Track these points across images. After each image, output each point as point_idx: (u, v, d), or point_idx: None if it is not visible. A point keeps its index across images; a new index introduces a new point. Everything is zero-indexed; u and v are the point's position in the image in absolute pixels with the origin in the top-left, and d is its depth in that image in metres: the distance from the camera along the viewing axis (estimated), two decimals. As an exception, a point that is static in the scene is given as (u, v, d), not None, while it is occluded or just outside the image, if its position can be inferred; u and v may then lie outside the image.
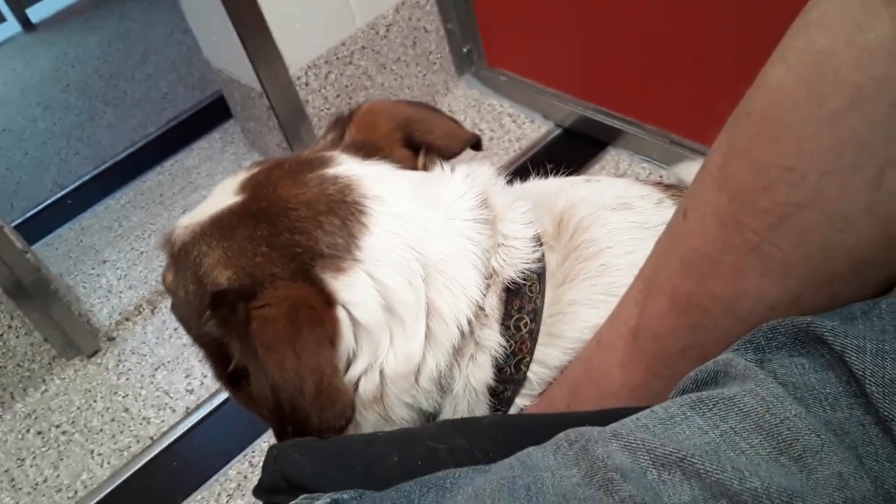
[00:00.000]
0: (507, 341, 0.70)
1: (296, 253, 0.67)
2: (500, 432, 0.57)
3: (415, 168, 0.80)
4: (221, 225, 0.70)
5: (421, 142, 0.82)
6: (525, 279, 0.71)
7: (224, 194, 0.73)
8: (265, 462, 0.58)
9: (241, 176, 0.75)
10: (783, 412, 0.42)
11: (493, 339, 0.70)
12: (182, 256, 0.72)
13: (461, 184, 0.75)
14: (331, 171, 0.73)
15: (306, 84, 1.97)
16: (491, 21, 2.06)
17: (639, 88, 1.78)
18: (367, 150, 0.77)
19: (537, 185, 0.83)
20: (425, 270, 0.68)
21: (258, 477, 0.59)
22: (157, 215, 2.25)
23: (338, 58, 2.00)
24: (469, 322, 0.68)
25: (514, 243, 0.72)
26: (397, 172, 0.76)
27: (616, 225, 0.74)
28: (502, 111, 2.13)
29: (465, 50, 2.18)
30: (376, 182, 0.72)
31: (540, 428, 0.53)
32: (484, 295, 0.69)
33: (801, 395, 0.43)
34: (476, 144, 0.85)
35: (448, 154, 0.83)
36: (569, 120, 1.99)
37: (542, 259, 0.72)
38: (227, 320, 0.67)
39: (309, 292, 0.66)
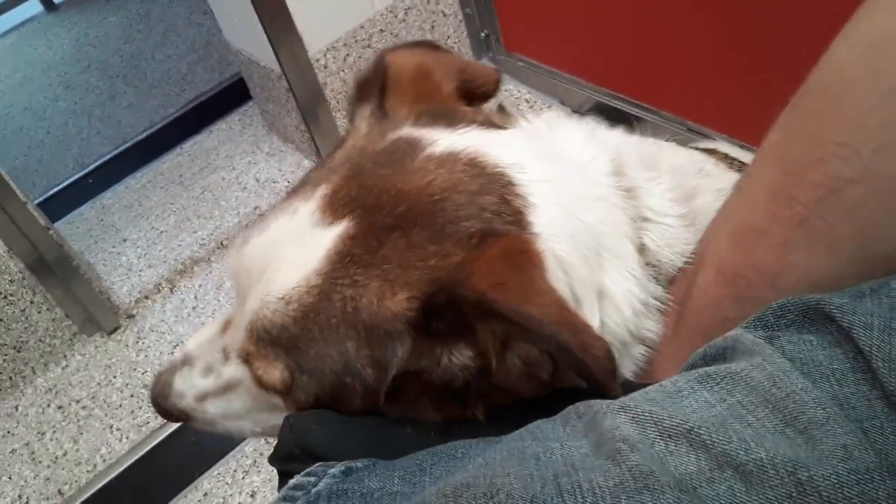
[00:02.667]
0: (660, 329, 0.62)
1: (470, 237, 0.56)
2: (511, 405, 0.58)
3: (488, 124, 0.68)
4: (347, 259, 0.57)
5: (469, 90, 0.72)
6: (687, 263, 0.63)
7: (299, 237, 0.60)
8: (281, 431, 0.59)
9: (304, 208, 0.61)
10: (790, 386, 0.42)
11: (651, 328, 0.62)
12: (305, 329, 0.58)
13: (587, 144, 0.66)
14: (436, 150, 0.61)
15: (325, 66, 1.98)
16: (508, 6, 2.06)
17: (656, 75, 1.77)
18: (443, 117, 0.66)
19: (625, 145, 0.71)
20: (594, 245, 0.59)
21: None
22: (177, 195, 2.27)
23: (356, 40, 2.00)
24: (634, 311, 0.60)
25: (665, 220, 0.65)
26: (508, 134, 0.66)
27: (709, 196, 0.68)
28: (519, 97, 2.13)
29: (482, 35, 2.18)
30: (499, 148, 0.62)
31: (550, 401, 0.54)
32: (643, 276, 0.61)
33: (808, 371, 0.43)
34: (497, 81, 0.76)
35: (486, 98, 0.74)
36: (586, 106, 1.99)
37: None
38: (449, 324, 0.55)
39: (511, 240, 0.56)
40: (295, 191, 0.65)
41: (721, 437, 0.41)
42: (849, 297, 0.45)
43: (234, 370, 0.67)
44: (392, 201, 0.58)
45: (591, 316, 0.58)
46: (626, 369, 0.62)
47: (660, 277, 0.63)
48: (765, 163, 0.55)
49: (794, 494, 0.38)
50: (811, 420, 0.41)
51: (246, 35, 2.01)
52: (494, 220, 0.57)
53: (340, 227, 0.58)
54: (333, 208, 0.59)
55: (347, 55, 2.00)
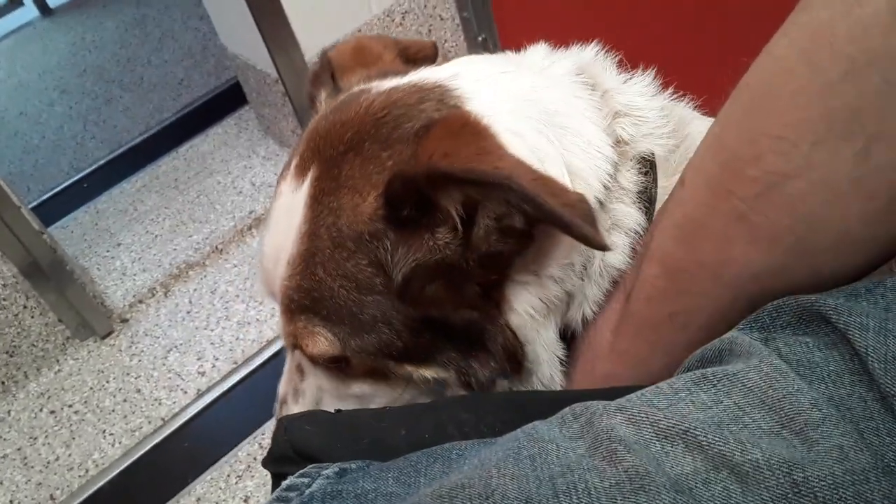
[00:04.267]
0: (646, 222, 0.63)
1: (416, 133, 0.60)
2: (506, 408, 0.57)
3: None
4: (320, 197, 0.62)
5: (408, 57, 0.79)
6: (665, 153, 0.65)
7: (287, 212, 0.64)
8: (275, 433, 0.59)
9: (284, 187, 0.66)
10: (786, 387, 0.42)
11: (632, 217, 0.64)
12: (313, 276, 0.62)
13: (548, 56, 0.69)
14: (380, 88, 0.66)
15: (321, 71, 1.97)
16: (506, 10, 2.06)
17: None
18: (391, 74, 0.70)
19: None
20: (548, 121, 0.61)
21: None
22: (172, 199, 2.27)
23: (353, 45, 2.00)
24: (606, 187, 0.61)
25: (639, 113, 0.66)
26: (453, 63, 0.70)
27: (699, 123, 0.70)
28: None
29: (480, 38, 2.18)
30: (439, 72, 0.66)
31: (546, 404, 0.53)
32: (617, 162, 0.63)
33: (804, 372, 0.43)
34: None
35: (427, 63, 0.78)
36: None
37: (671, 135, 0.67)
38: (416, 207, 0.57)
39: (450, 118, 0.60)
40: (278, 180, 0.69)
41: (717, 438, 0.41)
42: (844, 296, 0.45)
43: (309, 380, 0.74)
44: (340, 133, 0.62)
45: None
46: (611, 263, 0.64)
47: (643, 170, 0.65)
48: (706, 155, 0.55)
49: (789, 495, 0.38)
50: (807, 421, 0.41)
51: (242, 39, 2.01)
52: (434, 115, 0.61)
53: (308, 178, 0.63)
54: (301, 169, 0.64)
55: (344, 60, 2.00)
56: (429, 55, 0.81)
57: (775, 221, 0.49)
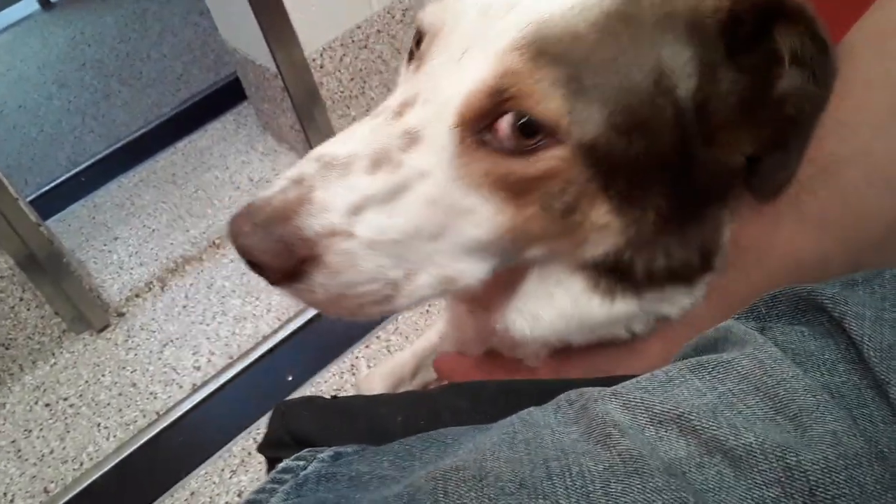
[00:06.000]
0: None
1: None
2: (502, 396, 0.58)
3: None
4: None
5: None
6: None
7: None
8: (272, 418, 0.59)
9: None
10: (780, 374, 0.43)
11: None
12: (607, 38, 0.49)
13: None
14: None
15: (321, 66, 1.98)
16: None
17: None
18: None
19: None
20: None
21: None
22: (169, 194, 2.26)
23: (353, 41, 2.00)
24: None
25: None
26: None
27: None
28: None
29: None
30: None
31: (542, 392, 0.53)
32: None
33: (799, 360, 0.44)
34: None
35: None
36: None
37: None
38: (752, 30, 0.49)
39: None
40: None
41: (711, 423, 0.41)
42: (840, 286, 0.45)
43: (424, 156, 0.51)
44: None
45: None
46: None
47: None
48: None
49: (782, 479, 0.38)
50: (801, 407, 0.41)
51: (242, 34, 2.01)
52: None
53: None
54: None
55: (344, 55, 2.00)
56: None
57: (825, 206, 0.49)
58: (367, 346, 1.73)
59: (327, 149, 0.51)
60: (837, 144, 0.49)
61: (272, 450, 0.57)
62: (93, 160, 2.50)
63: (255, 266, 0.50)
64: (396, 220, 0.51)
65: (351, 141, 0.51)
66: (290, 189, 0.50)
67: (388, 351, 1.72)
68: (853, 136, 0.48)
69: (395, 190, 0.51)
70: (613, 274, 0.57)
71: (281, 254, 0.49)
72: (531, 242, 0.55)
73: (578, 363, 0.64)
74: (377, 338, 1.74)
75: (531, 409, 0.49)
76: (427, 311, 1.75)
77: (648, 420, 0.43)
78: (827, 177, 0.49)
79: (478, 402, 0.57)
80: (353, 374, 1.69)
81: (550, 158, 0.50)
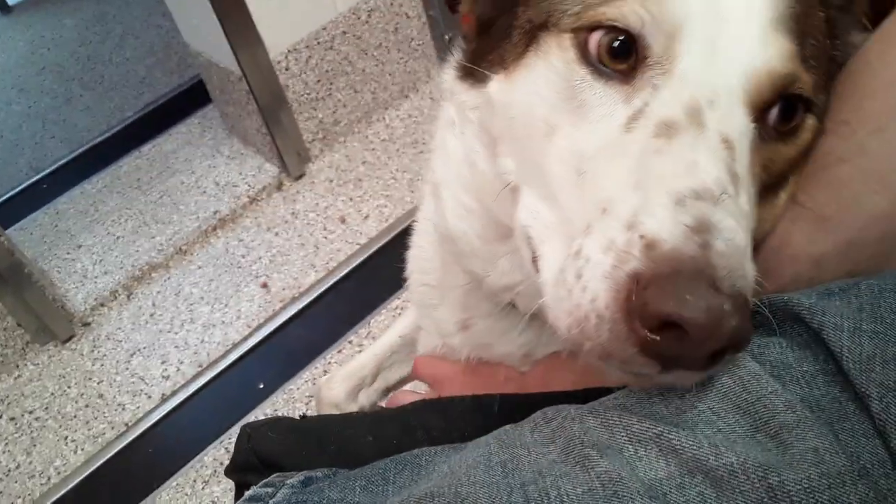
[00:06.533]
0: None
1: None
2: (477, 413, 0.56)
3: None
4: None
5: None
6: None
7: None
8: (238, 441, 0.57)
9: None
10: (760, 390, 0.42)
11: None
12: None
13: None
14: None
15: (286, 68, 1.95)
16: (473, 8, 2.05)
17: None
18: None
19: None
20: None
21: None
22: (134, 200, 2.22)
23: (318, 42, 1.98)
24: None
25: None
26: None
27: None
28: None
29: (446, 37, 2.17)
30: None
31: (517, 407, 0.52)
32: None
33: (778, 373, 0.43)
34: None
35: None
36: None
37: None
38: None
39: None
40: None
41: (691, 443, 0.40)
42: (816, 296, 0.45)
43: (740, 159, 0.47)
44: None
45: None
46: None
47: None
48: None
49: (765, 499, 0.37)
50: (782, 424, 0.40)
51: (205, 36, 1.97)
52: None
53: None
54: None
55: (309, 57, 1.98)
56: None
57: (821, 203, 0.49)
58: (339, 351, 1.71)
59: (690, 182, 0.44)
60: (835, 143, 0.49)
61: (239, 473, 0.56)
62: (55, 166, 2.45)
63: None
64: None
65: (702, 170, 0.45)
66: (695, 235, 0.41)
67: (361, 356, 1.71)
68: (851, 136, 0.48)
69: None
70: None
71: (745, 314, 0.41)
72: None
73: (570, 367, 0.62)
74: (349, 342, 1.72)
75: (507, 427, 0.48)
76: (400, 312, 1.73)
77: (627, 439, 0.42)
78: (821, 175, 0.49)
79: (451, 420, 0.56)
80: (326, 380, 1.68)
81: (808, 130, 0.50)
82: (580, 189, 0.47)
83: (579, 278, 0.42)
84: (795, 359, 0.43)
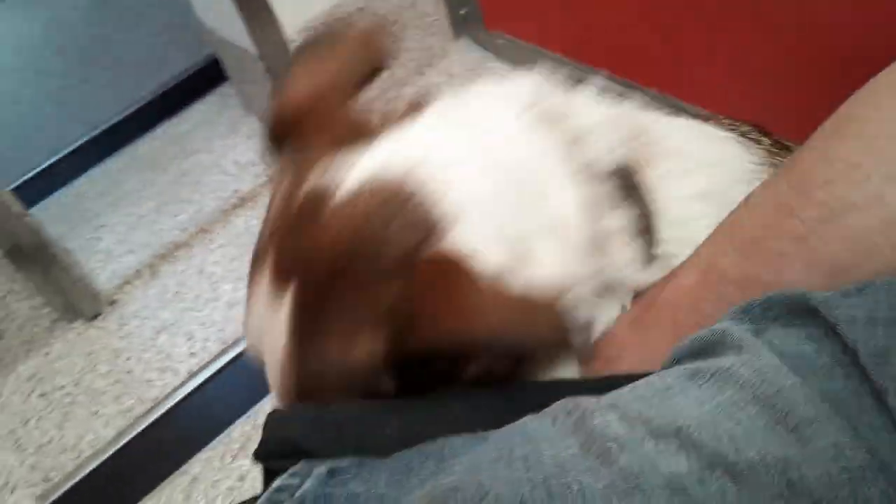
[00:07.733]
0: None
1: (395, 270, 0.56)
2: (497, 400, 0.57)
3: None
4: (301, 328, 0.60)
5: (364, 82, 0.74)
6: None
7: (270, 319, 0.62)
8: (265, 427, 0.58)
9: (264, 286, 0.61)
10: (779, 382, 0.42)
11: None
12: None
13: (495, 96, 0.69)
14: (342, 193, 0.59)
15: (302, 45, 1.94)
16: (489, -20, 2.03)
17: (642, 52, 1.76)
18: (348, 142, 0.63)
19: None
20: (526, 183, 0.61)
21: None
22: (155, 180, 2.24)
23: (334, 19, 1.97)
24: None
25: (597, 129, 0.66)
26: (412, 131, 0.64)
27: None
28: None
29: (462, 12, 2.15)
30: (400, 155, 0.60)
31: (539, 395, 0.53)
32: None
33: (796, 366, 0.43)
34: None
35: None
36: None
37: None
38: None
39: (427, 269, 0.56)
40: (254, 261, 0.63)
41: (712, 436, 0.41)
42: (832, 292, 0.45)
43: None
44: (317, 254, 0.57)
45: (545, 255, 0.58)
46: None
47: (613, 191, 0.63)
48: (778, 175, 0.55)
49: (785, 494, 0.38)
50: (801, 417, 0.40)
51: (219, 15, 1.97)
52: (409, 239, 0.56)
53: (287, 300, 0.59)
54: (277, 284, 0.60)
55: (325, 34, 1.97)
56: (377, 66, 0.76)
57: (836, 252, 0.48)
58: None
59: None
60: (848, 189, 0.47)
61: (266, 460, 0.57)
62: (74, 146, 2.46)
63: None
64: None
65: None
66: None
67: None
68: (865, 182, 0.46)
69: None
70: None
71: None
72: None
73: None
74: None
75: (527, 418, 0.49)
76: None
77: (648, 433, 0.42)
78: (836, 221, 0.48)
79: (474, 406, 0.56)
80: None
81: None
82: None
83: None
84: (814, 351, 0.44)
